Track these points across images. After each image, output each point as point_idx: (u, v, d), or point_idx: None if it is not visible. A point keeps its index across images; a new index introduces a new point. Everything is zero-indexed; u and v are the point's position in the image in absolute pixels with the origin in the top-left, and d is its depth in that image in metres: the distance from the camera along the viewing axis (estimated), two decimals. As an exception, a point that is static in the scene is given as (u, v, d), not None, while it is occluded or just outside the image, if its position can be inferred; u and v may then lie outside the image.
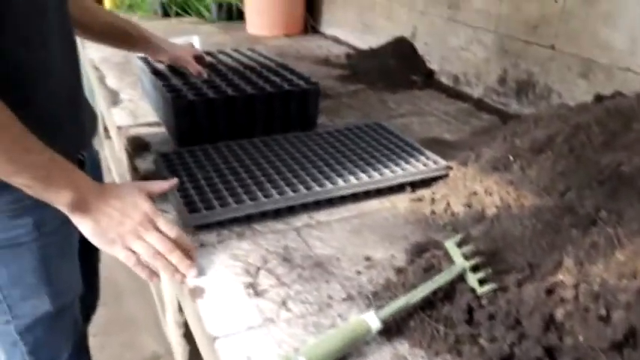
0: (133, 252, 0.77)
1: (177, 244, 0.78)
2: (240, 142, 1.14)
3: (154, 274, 0.80)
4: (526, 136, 1.07)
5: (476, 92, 1.63)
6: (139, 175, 1.10)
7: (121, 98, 1.54)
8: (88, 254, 1.17)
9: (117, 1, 2.88)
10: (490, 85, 1.57)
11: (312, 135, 1.20)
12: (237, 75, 1.32)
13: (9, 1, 0.72)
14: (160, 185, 0.85)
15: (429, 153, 1.13)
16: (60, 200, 0.74)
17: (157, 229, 0.78)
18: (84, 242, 1.03)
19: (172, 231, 0.78)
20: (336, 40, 2.35)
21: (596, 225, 0.76)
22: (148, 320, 2.04)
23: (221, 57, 1.52)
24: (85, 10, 1.04)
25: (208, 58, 1.46)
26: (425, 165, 1.08)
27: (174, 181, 0.89)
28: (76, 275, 1.01)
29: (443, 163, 1.08)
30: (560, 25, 1.32)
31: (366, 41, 2.13)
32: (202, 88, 1.20)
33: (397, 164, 1.07)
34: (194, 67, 1.28)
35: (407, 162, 1.09)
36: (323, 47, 2.25)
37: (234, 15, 2.68)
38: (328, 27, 2.44)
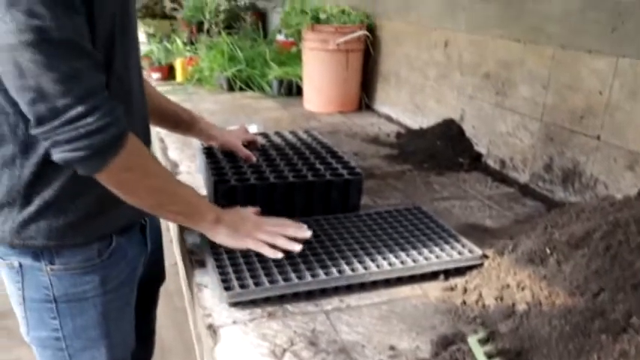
0: (258, 241, 1.03)
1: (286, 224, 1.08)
2: (282, 220, 1.20)
3: (277, 251, 1.02)
4: (565, 228, 1.06)
5: (522, 177, 1.63)
6: (185, 247, 1.17)
7: (180, 170, 1.65)
8: (146, 313, 1.25)
9: (187, 75, 3.12)
10: (536, 171, 1.57)
11: (351, 217, 1.24)
12: (284, 160, 1.36)
13: (108, 88, 0.84)
14: (254, 209, 1.13)
15: (465, 241, 1.14)
16: (205, 219, 1.01)
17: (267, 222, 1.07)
18: (141, 302, 1.12)
19: (278, 219, 1.10)
20: (389, 119, 2.43)
21: (627, 332, 0.74)
22: (190, 383, 2.07)
23: (274, 139, 1.58)
24: (146, 94, 1.15)
25: (262, 140, 1.52)
26: (460, 253, 1.09)
27: (257, 209, 1.14)
28: (131, 331, 1.10)
29: (478, 252, 1.09)
30: (605, 116, 1.32)
31: (417, 121, 2.19)
32: (246, 173, 1.25)
33: (432, 251, 1.09)
34: (243, 153, 1.35)
35: (442, 249, 1.10)
36: (375, 125, 2.32)
37: (293, 91, 2.84)
38: (381, 105, 2.53)
